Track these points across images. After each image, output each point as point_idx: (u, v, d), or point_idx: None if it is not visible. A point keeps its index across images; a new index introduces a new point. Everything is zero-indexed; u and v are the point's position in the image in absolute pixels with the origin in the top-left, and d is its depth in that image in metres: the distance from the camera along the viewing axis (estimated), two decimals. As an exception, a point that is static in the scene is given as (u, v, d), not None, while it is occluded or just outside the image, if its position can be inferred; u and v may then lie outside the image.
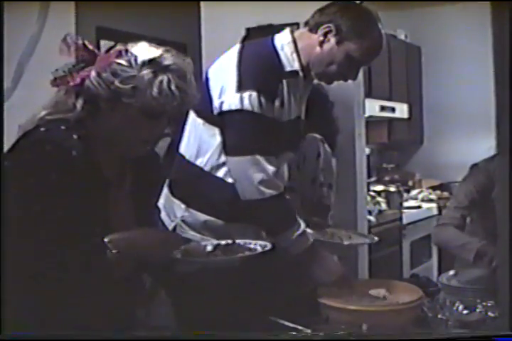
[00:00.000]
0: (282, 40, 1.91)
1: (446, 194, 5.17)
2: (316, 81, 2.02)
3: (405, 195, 4.93)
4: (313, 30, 1.89)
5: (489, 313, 1.82)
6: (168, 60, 1.40)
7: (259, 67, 1.84)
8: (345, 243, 2.06)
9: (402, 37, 5.29)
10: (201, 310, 1.77)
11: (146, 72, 1.36)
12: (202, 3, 3.52)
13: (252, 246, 1.64)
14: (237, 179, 1.85)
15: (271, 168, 1.83)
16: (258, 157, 1.80)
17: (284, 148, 1.96)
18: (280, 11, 3.39)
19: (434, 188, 5.23)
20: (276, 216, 1.87)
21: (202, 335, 1.40)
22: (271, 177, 1.82)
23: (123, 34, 4.08)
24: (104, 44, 4.11)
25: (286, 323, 1.63)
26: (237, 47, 1.92)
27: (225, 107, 1.83)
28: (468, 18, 5.17)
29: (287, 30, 1.94)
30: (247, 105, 1.79)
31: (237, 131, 1.84)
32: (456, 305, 1.86)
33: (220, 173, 1.90)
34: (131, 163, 1.54)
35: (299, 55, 1.89)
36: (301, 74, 1.89)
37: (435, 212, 4.80)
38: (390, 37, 5.02)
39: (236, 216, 1.90)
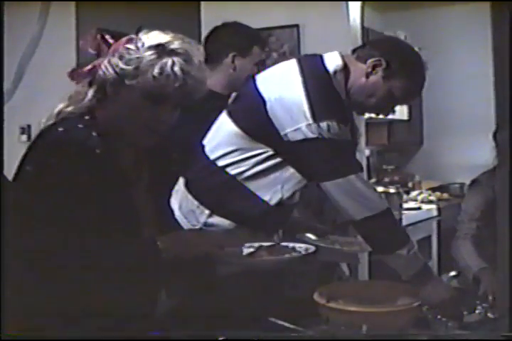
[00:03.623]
0: (334, 64, 1.91)
1: (445, 195, 5.17)
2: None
3: (405, 196, 4.93)
4: (362, 59, 1.91)
5: (489, 314, 1.82)
6: (176, 44, 1.40)
7: (328, 95, 1.86)
8: (345, 249, 2.07)
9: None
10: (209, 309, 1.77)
11: (150, 53, 1.37)
12: (202, 4, 3.53)
13: (296, 247, 1.65)
14: (349, 198, 1.86)
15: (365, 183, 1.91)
16: (352, 176, 1.85)
17: None
18: (280, 12, 3.40)
19: (433, 189, 5.23)
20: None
21: (202, 335, 1.40)
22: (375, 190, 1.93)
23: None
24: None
25: (286, 324, 1.63)
26: (293, 66, 1.91)
27: (299, 137, 1.84)
28: (468, 19, 5.18)
29: (337, 54, 1.94)
30: (326, 134, 1.82)
31: (320, 157, 1.86)
32: (456, 306, 1.86)
33: (252, 186, 1.93)
34: (146, 155, 1.52)
35: (346, 84, 1.91)
36: (346, 103, 1.92)
37: (435, 213, 4.80)
38: (390, 38, 5.04)
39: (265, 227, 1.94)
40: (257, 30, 2.56)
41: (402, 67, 1.89)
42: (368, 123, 4.31)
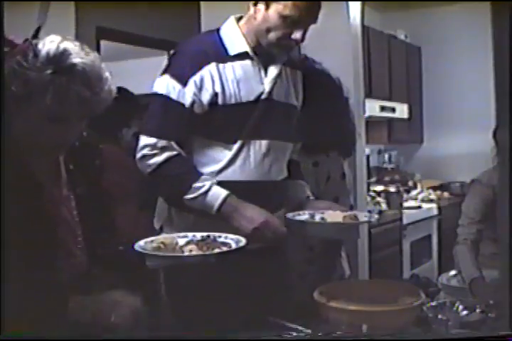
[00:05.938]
0: (226, 27, 1.93)
1: (446, 194, 5.18)
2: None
3: (405, 195, 4.94)
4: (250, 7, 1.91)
5: (489, 314, 1.82)
6: (74, 58, 1.31)
7: (183, 54, 1.87)
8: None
9: (402, 37, 5.29)
10: (193, 308, 1.76)
11: (44, 75, 1.28)
12: (202, 3, 3.52)
13: (224, 240, 1.60)
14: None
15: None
16: (143, 137, 1.82)
17: (248, 133, 1.87)
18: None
19: (434, 188, 5.24)
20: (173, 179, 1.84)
21: (201, 335, 1.40)
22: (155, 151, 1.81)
23: (123, 34, 4.08)
24: (105, 44, 4.11)
25: (286, 323, 1.63)
26: None
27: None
28: (468, 18, 5.18)
29: (231, 18, 1.96)
30: (156, 89, 1.84)
31: (148, 114, 1.88)
32: (456, 305, 1.86)
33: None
34: (67, 162, 1.49)
35: (245, 37, 1.90)
36: (251, 54, 1.89)
37: (435, 212, 4.81)
38: (390, 37, 5.04)
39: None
40: None
41: None
42: (368, 121, 4.31)
